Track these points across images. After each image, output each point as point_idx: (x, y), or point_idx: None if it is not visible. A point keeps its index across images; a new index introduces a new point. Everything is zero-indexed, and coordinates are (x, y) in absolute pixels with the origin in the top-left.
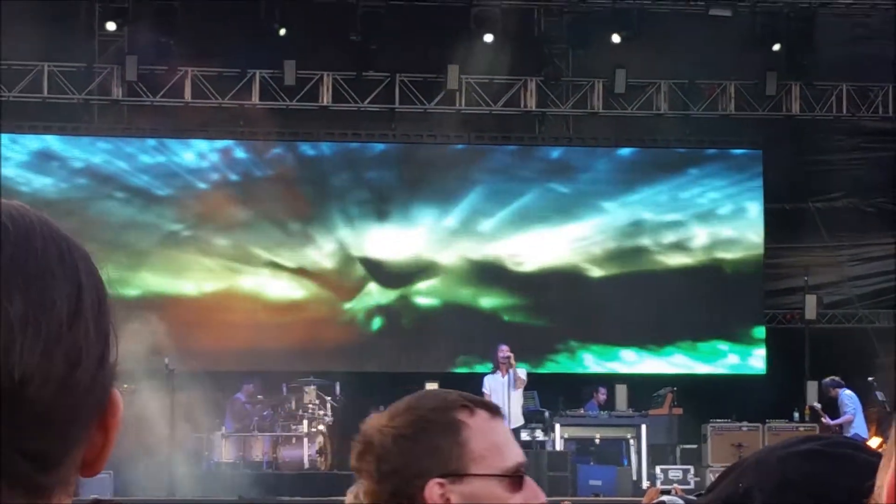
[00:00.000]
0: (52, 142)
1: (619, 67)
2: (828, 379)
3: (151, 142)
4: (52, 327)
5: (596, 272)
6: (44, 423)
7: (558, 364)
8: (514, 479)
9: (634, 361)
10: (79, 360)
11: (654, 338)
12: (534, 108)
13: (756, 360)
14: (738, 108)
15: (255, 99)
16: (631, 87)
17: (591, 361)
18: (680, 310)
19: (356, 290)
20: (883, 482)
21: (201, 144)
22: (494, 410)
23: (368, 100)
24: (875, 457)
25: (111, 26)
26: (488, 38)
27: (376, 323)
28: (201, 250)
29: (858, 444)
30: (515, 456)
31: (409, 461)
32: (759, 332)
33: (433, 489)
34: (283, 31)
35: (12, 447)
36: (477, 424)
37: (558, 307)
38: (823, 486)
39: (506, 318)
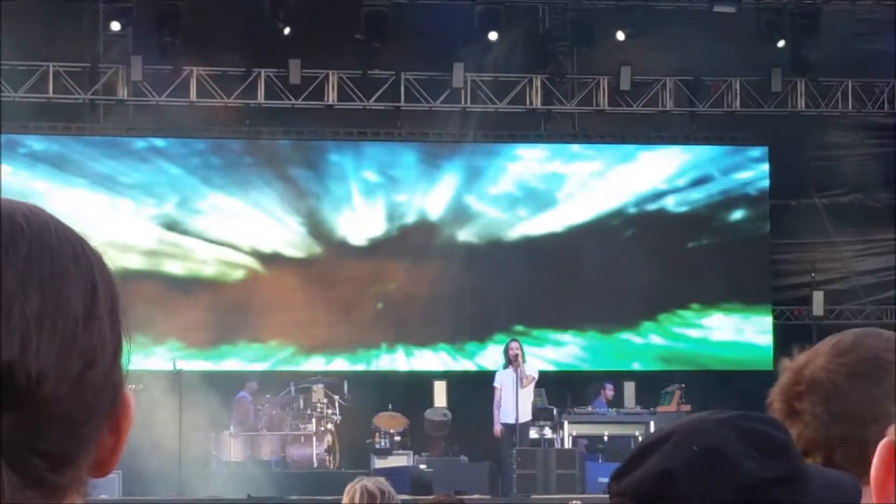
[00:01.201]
0: (54, 141)
1: (624, 65)
2: None
3: (158, 140)
4: (67, 326)
5: (599, 255)
6: (59, 422)
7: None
8: None
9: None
10: (93, 359)
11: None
12: (539, 106)
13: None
14: (744, 105)
15: (261, 98)
16: (636, 85)
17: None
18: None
19: (359, 281)
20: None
21: (206, 143)
22: None
23: (374, 98)
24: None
25: (115, 26)
26: (493, 35)
27: (379, 310)
28: (198, 244)
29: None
30: None
31: (867, 402)
32: (766, 321)
33: None
34: (287, 30)
35: (28, 446)
36: None
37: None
38: (775, 441)
39: (511, 302)
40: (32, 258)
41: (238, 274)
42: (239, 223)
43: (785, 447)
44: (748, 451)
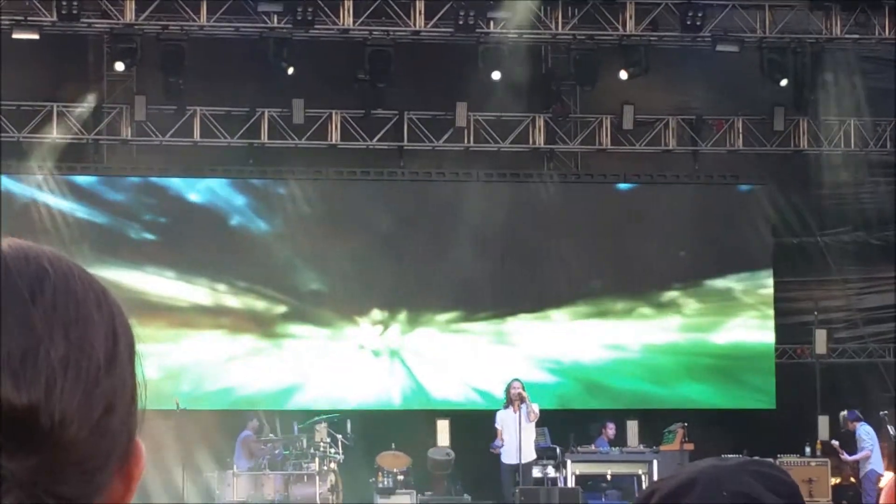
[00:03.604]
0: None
1: (626, 103)
2: (848, 411)
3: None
4: (91, 371)
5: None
6: (77, 466)
7: None
8: None
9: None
10: (113, 404)
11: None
12: (542, 145)
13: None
14: (746, 144)
15: (264, 138)
16: (639, 123)
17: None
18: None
19: (360, 321)
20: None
21: (211, 182)
22: None
23: (377, 138)
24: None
25: (120, 66)
26: (496, 75)
27: (381, 354)
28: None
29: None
30: None
31: None
32: (769, 359)
33: None
34: (291, 70)
35: (46, 489)
36: None
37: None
38: (789, 486)
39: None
40: (58, 303)
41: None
42: (249, 261)
43: (796, 491)
44: (769, 494)
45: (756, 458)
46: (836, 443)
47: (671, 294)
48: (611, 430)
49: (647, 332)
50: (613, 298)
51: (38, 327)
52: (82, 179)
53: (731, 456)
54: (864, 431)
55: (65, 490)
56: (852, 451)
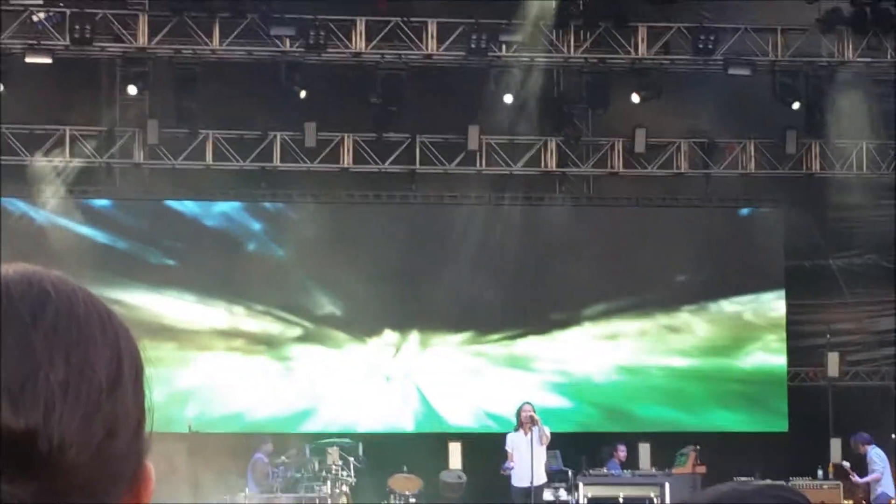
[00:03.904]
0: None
1: (638, 127)
2: (859, 434)
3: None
4: (91, 394)
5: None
6: (81, 490)
7: None
8: None
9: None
10: (116, 428)
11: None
12: (554, 168)
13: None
14: (758, 167)
15: (277, 161)
16: (651, 147)
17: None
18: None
19: (373, 344)
20: None
21: (223, 206)
22: None
23: (389, 161)
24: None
25: (132, 90)
26: (508, 98)
27: (393, 378)
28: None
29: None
30: None
31: None
32: (782, 382)
33: None
34: (303, 94)
35: None
36: None
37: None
38: None
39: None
40: (59, 325)
41: (252, 338)
42: (264, 284)
43: None
44: None
45: (772, 482)
46: (847, 464)
47: (683, 316)
48: (622, 452)
49: (659, 354)
50: (625, 320)
51: (39, 350)
52: (97, 203)
53: (747, 480)
54: (876, 454)
55: None
56: (864, 474)
